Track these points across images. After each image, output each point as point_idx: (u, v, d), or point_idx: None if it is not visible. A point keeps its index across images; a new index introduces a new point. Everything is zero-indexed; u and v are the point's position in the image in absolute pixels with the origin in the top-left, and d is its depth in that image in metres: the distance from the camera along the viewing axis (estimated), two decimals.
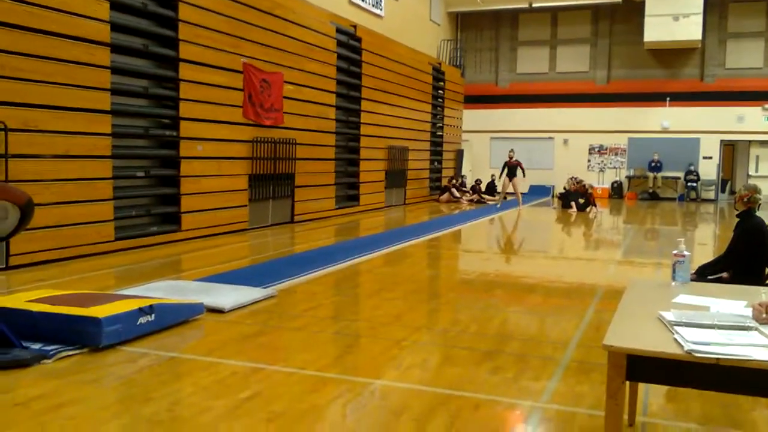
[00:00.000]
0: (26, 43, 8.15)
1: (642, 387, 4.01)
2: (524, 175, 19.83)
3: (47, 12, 8.41)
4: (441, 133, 24.03)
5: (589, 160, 26.09)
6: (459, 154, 26.11)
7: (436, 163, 23.81)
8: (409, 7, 21.87)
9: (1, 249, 7.81)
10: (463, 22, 27.44)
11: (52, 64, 8.49)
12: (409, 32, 21.39)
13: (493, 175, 24.94)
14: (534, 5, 25.25)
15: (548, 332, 5.92)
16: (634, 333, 2.74)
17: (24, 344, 4.69)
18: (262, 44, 12.83)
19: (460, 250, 12.09)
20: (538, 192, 25.73)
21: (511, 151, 20.02)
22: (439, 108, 23.73)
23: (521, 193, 20.16)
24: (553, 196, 24.93)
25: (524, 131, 26.27)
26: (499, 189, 19.41)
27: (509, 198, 21.99)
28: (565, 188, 21.00)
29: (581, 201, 19.30)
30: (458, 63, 26.50)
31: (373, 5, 18.89)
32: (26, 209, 4.85)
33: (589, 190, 19.87)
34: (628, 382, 2.68)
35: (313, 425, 3.69)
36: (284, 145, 13.63)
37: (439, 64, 23.88)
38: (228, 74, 11.88)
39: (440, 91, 23.74)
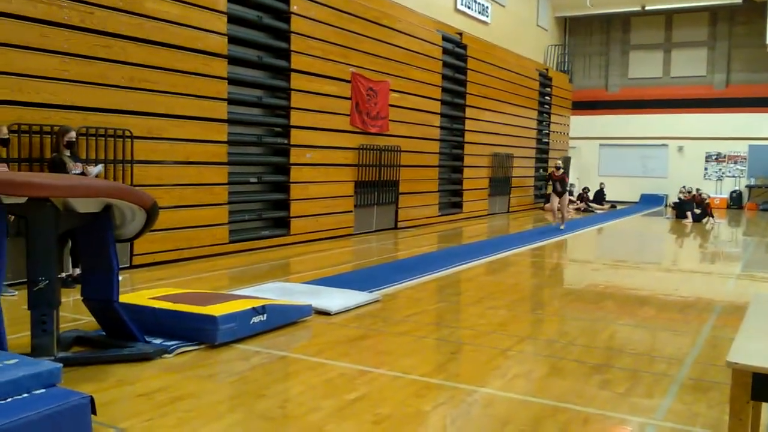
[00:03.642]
0: (153, 56, 8.69)
1: (766, 408, 3.78)
2: (564, 191, 15.32)
3: (172, 26, 8.93)
4: (547, 140, 23.58)
5: (705, 168, 24.81)
6: (566, 162, 25.50)
7: (541, 171, 23.37)
8: (515, 13, 21.63)
9: (126, 249, 8.34)
10: (572, 27, 26.83)
11: (174, 76, 9.01)
12: (516, 38, 21.14)
13: (602, 184, 24.24)
14: (647, 8, 24.34)
15: (661, 348, 5.68)
16: (761, 350, 2.60)
17: (147, 339, 4.99)
18: (370, 53, 13.07)
19: (567, 260, 11.80)
20: (650, 201, 24.73)
21: (559, 160, 17.21)
22: (545, 114, 23.31)
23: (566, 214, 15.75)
24: (666, 206, 23.89)
25: (636, 138, 25.34)
26: (553, 206, 15.43)
27: (599, 211, 21.20)
28: (679, 198, 20.08)
29: (697, 211, 18.39)
30: (566, 68, 25.93)
31: (479, 12, 18.81)
32: (151, 212, 5.15)
33: (706, 200, 18.89)
34: (752, 402, 2.54)
35: (419, 430, 3.72)
36: (389, 153, 13.79)
37: (546, 69, 23.46)
38: (337, 83, 12.17)
39: (547, 97, 23.32)
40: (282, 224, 11.30)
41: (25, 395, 3.33)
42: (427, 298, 7.57)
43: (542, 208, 21.96)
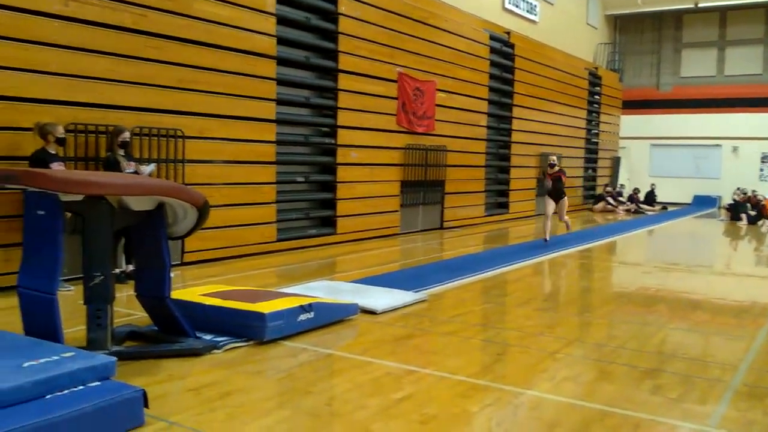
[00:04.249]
0: (202, 58, 8.85)
1: None
2: (563, 193, 11.81)
3: (221, 28, 9.08)
4: (596, 140, 23.19)
5: (761, 170, 24.03)
6: (616, 162, 25.04)
7: (590, 171, 23.01)
8: (564, 11, 21.33)
9: (177, 247, 8.50)
10: (622, 25, 26.33)
11: (224, 77, 9.15)
12: (565, 37, 20.85)
13: (653, 185, 23.72)
14: (700, 5, 23.75)
15: (715, 352, 5.53)
16: None
17: (197, 335, 5.08)
18: (416, 53, 13.06)
19: (616, 262, 11.58)
20: (703, 203, 24.11)
21: (553, 156, 12.75)
22: (594, 114, 22.93)
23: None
24: (719, 208, 23.25)
25: (688, 138, 24.69)
26: (546, 213, 12.14)
27: (650, 212, 20.65)
28: (734, 199, 19.53)
29: (752, 213, 17.84)
30: (616, 67, 25.47)
31: (527, 11, 18.61)
32: (203, 210, 5.24)
33: (762, 202, 18.31)
34: None
35: (465, 431, 3.70)
36: (435, 152, 13.76)
37: (596, 68, 23.07)
38: (383, 83, 12.20)
39: (596, 97, 22.93)
40: (329, 223, 11.38)
41: (81, 387, 3.43)
42: (473, 298, 7.53)
43: (590, 209, 21.61)
